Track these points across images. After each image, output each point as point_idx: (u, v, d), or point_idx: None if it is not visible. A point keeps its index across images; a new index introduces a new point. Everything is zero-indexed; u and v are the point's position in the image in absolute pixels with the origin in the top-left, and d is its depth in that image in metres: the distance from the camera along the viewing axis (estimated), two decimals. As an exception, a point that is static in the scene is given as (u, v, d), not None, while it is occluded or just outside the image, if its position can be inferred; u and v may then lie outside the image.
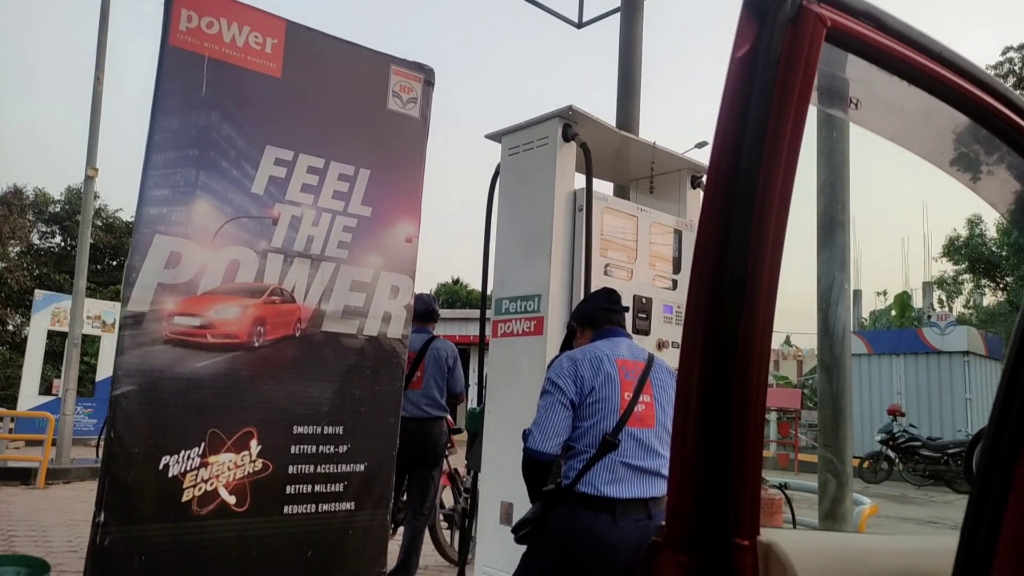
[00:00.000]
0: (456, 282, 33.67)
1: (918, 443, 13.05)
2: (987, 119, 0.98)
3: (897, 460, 13.14)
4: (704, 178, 4.81)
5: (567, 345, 2.96)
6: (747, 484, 0.89)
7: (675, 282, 4.46)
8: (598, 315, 2.75)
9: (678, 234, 4.52)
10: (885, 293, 30.69)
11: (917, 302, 26.62)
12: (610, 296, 2.81)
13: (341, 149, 3.05)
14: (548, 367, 2.69)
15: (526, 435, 2.50)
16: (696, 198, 4.79)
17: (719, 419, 0.89)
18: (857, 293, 25.75)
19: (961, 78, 0.93)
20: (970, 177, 1.13)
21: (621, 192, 4.97)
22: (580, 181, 4.04)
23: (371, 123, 3.14)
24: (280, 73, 2.87)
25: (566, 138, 3.90)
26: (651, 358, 2.66)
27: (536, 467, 2.47)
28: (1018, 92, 0.99)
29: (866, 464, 13.19)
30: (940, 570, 0.94)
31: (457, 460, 5.94)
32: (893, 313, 25.92)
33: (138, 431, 2.52)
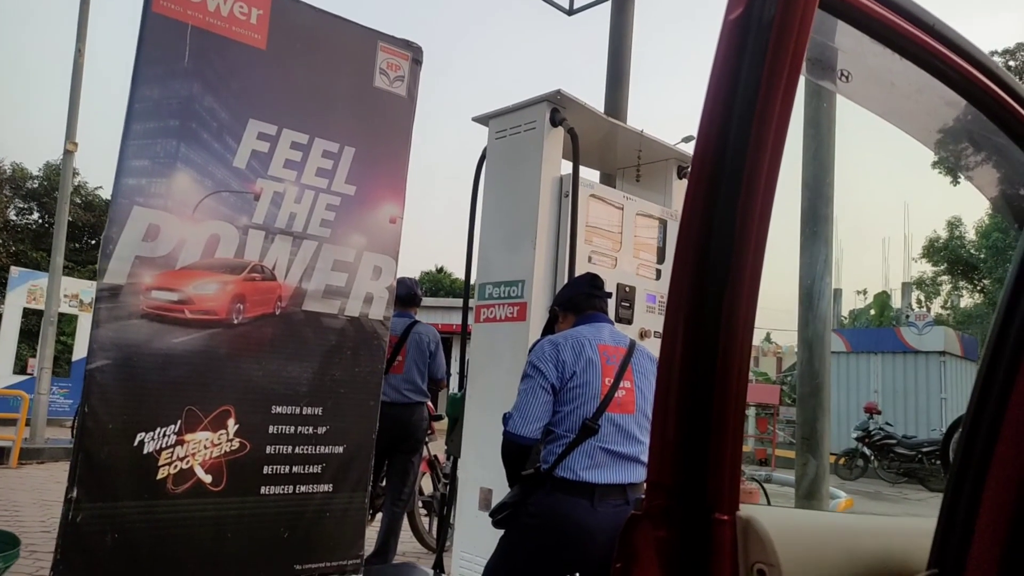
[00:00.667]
0: (440, 271, 33.57)
1: (893, 441, 13.22)
2: (979, 98, 0.97)
3: (872, 457, 13.32)
4: (689, 168, 4.81)
5: (549, 330, 2.94)
6: (727, 459, 0.88)
7: (659, 272, 4.45)
8: (581, 300, 2.74)
9: (663, 224, 4.52)
10: (865, 292, 31.07)
11: (896, 302, 26.96)
12: (593, 282, 2.80)
13: (326, 125, 3.00)
14: (529, 351, 2.68)
15: (506, 419, 2.49)
16: (682, 188, 4.79)
17: (700, 393, 0.88)
18: (837, 292, 26.01)
19: (954, 54, 0.92)
20: (958, 158, 1.12)
21: (607, 180, 4.95)
22: (567, 167, 4.03)
23: (357, 100, 3.10)
24: (265, 45, 2.81)
25: (554, 123, 3.87)
26: (632, 344, 2.66)
27: (516, 451, 2.46)
28: None
29: (842, 461, 13.35)
30: (918, 551, 0.94)
31: (437, 447, 5.93)
32: (872, 312, 26.24)
33: (113, 406, 2.48)
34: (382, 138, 3.20)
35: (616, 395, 2.49)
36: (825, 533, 0.99)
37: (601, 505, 2.37)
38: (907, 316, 20.97)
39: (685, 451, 0.89)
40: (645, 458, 2.55)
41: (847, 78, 0.93)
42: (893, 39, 0.88)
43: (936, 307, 27.66)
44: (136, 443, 2.52)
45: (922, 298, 27.59)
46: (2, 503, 6.53)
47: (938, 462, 12.19)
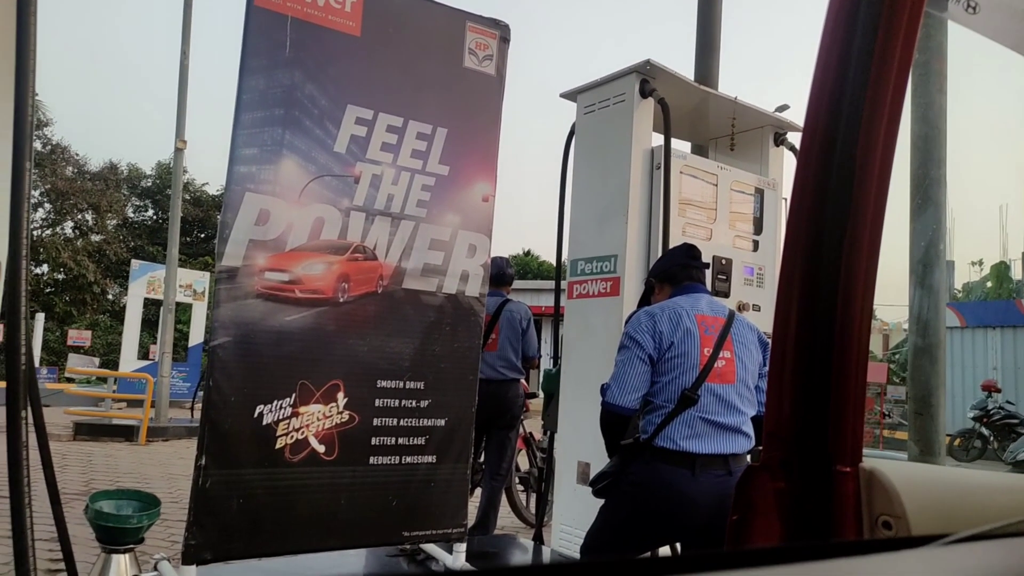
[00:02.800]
0: (527, 254, 33.72)
1: (1015, 420, 12.33)
2: None
3: (991, 438, 12.47)
4: (788, 135, 4.62)
5: (645, 302, 2.92)
6: (850, 409, 0.86)
7: (756, 243, 4.33)
8: (677, 271, 2.70)
9: (759, 193, 4.38)
10: (981, 263, 28.89)
11: (1016, 273, 24.97)
12: (690, 252, 2.75)
13: (419, 107, 3.07)
14: (625, 323, 2.67)
15: (604, 389, 2.50)
16: (779, 156, 4.61)
17: (819, 340, 0.86)
18: (949, 264, 24.35)
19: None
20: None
21: (699, 151, 4.83)
22: (657, 140, 3.96)
23: (448, 81, 3.16)
24: (359, 32, 2.90)
25: (643, 94, 3.81)
26: (732, 314, 2.61)
27: (614, 421, 2.47)
28: None
29: (957, 442, 12.57)
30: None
31: (532, 424, 6.01)
32: (989, 284, 24.41)
33: (234, 381, 2.66)
34: (473, 118, 3.24)
35: (716, 365, 2.45)
36: (954, 487, 0.96)
37: (703, 475, 2.36)
38: (1030, 287, 19.39)
39: (804, 402, 0.88)
40: (747, 429, 2.52)
41: (974, 9, 0.88)
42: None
43: (1062, 277, 25.42)
44: (256, 415, 2.70)
45: (1046, 267, 25.40)
46: (135, 476, 7.12)
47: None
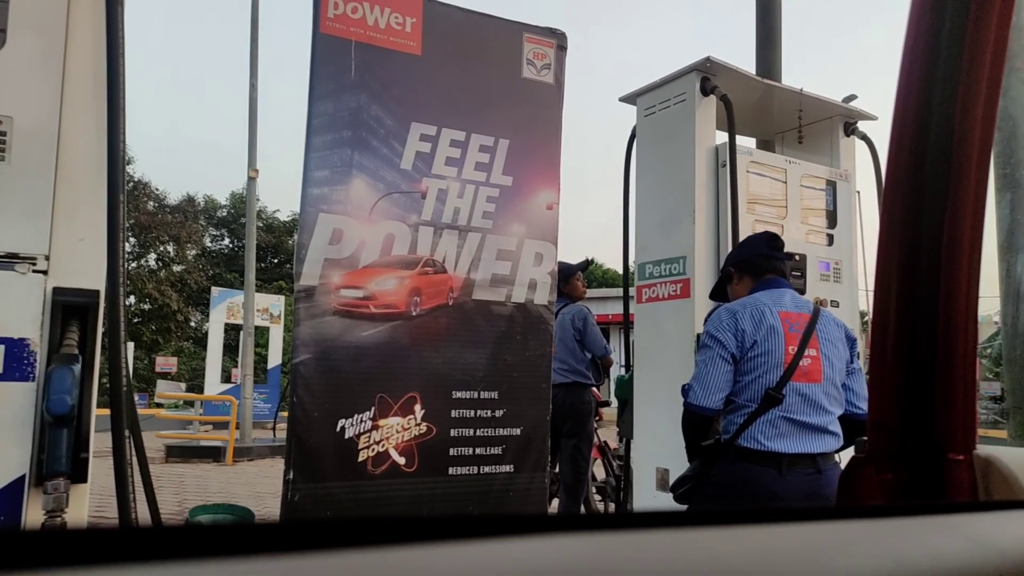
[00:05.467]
0: (591, 262, 33.56)
1: None
2: None
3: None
4: (859, 124, 4.46)
5: (720, 290, 2.83)
6: (960, 395, 0.82)
7: (830, 237, 4.19)
8: (759, 262, 2.59)
9: (832, 186, 4.24)
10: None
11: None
12: (772, 242, 2.64)
13: (480, 121, 3.11)
14: (705, 321, 2.62)
15: (686, 390, 2.45)
16: (851, 147, 4.46)
17: (922, 326, 0.83)
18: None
19: None
20: None
21: (766, 147, 4.71)
22: (721, 137, 3.89)
23: (507, 93, 3.19)
24: (420, 51, 2.97)
25: (705, 92, 3.76)
26: (817, 310, 2.50)
27: (697, 422, 2.41)
28: None
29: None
30: None
31: (606, 433, 5.94)
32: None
33: (316, 396, 2.74)
34: (534, 127, 3.27)
35: (801, 364, 2.37)
36: (1081, 476, 0.90)
37: (790, 474, 2.28)
38: None
39: (909, 391, 0.84)
40: (835, 428, 2.42)
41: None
42: None
43: None
44: (338, 428, 2.77)
45: None
46: (224, 495, 7.39)
47: None
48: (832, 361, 2.43)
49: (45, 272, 1.97)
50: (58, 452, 1.78)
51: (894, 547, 0.44)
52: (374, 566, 0.33)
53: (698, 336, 3.61)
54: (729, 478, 2.35)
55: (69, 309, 1.96)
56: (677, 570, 0.37)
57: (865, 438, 0.85)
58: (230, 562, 0.32)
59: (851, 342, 2.54)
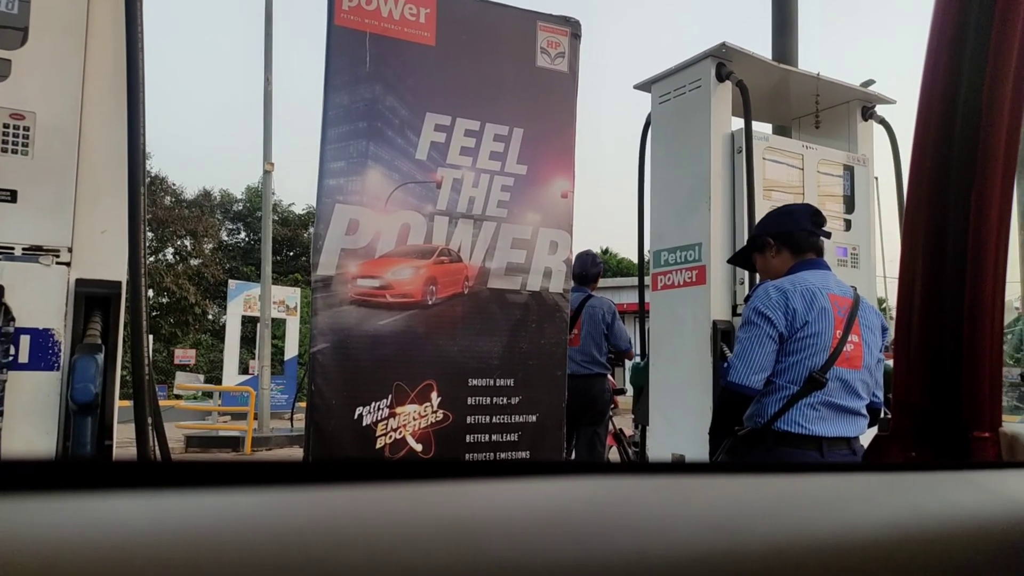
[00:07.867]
0: (605, 251, 33.47)
1: None
2: None
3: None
4: (877, 108, 4.41)
5: (745, 256, 2.66)
6: (985, 373, 0.82)
7: (848, 222, 4.16)
8: (802, 238, 2.45)
9: (849, 171, 4.20)
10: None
11: None
12: (815, 218, 2.49)
13: (495, 110, 3.11)
14: (746, 299, 2.56)
15: (726, 369, 2.39)
16: (868, 131, 4.41)
17: (948, 308, 0.82)
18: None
19: None
20: None
21: (782, 132, 4.67)
22: (737, 123, 3.87)
23: (521, 82, 3.18)
24: (434, 41, 2.97)
25: (720, 78, 3.73)
26: (858, 296, 2.45)
27: (736, 401, 2.30)
28: None
29: (1085, 424, 11.63)
30: None
31: (621, 421, 5.95)
32: (1113, 254, 22.47)
33: (334, 384, 2.76)
34: (548, 116, 3.26)
35: (844, 349, 2.30)
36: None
37: (830, 455, 2.25)
38: None
39: (934, 370, 0.84)
40: (865, 412, 2.39)
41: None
42: None
43: None
44: (356, 416, 2.79)
45: None
46: (243, 484, 7.46)
47: None
48: (871, 348, 2.38)
49: (68, 264, 2.00)
50: (83, 439, 1.81)
51: (912, 500, 0.45)
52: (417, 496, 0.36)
53: (714, 322, 3.60)
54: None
55: (92, 300, 1.99)
56: (715, 514, 0.38)
57: (889, 416, 0.85)
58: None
59: (884, 332, 2.51)
